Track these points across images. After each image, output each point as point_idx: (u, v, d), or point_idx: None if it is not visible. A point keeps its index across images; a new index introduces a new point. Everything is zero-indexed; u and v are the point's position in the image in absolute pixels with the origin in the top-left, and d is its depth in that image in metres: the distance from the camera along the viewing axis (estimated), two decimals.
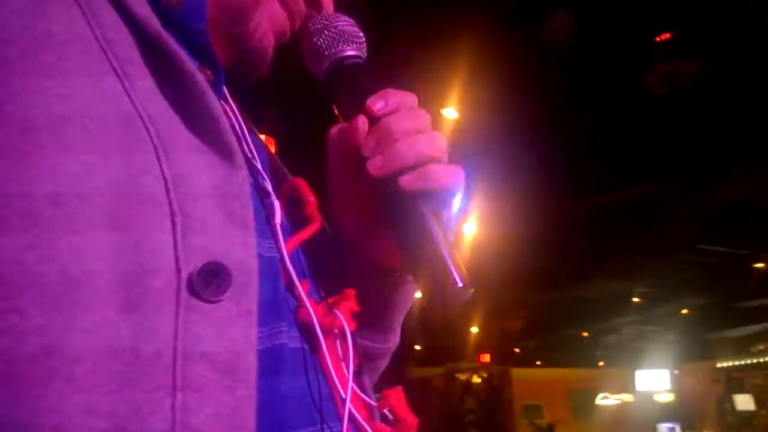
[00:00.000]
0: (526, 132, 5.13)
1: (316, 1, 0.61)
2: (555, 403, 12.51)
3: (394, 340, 0.69)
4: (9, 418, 0.34)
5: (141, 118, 0.42)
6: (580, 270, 8.20)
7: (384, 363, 0.70)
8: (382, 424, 0.51)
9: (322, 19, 0.59)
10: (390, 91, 0.55)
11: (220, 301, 0.40)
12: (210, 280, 0.40)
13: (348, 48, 0.59)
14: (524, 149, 5.30)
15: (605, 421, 12.09)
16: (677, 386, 12.33)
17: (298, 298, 0.50)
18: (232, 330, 0.40)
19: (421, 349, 12.91)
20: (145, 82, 0.43)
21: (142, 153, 0.41)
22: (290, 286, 0.51)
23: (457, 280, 0.49)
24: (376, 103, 0.54)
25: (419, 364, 13.44)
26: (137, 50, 0.44)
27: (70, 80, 0.40)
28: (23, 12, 0.41)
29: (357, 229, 0.61)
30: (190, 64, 0.45)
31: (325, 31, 0.59)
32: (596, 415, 12.38)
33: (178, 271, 0.39)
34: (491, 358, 12.78)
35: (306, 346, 0.50)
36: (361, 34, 0.60)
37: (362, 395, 0.51)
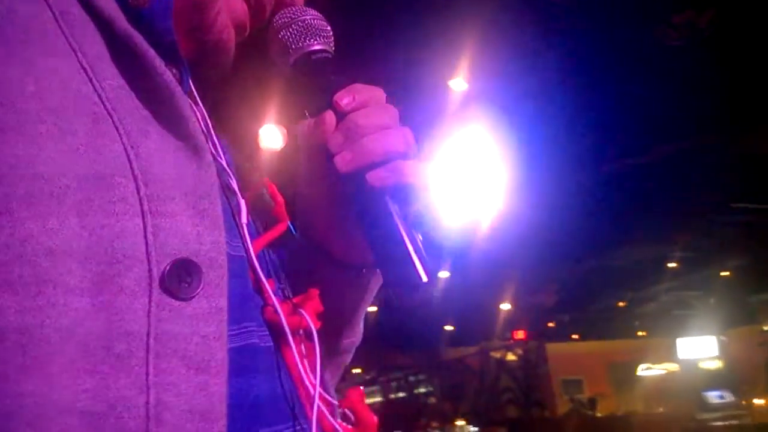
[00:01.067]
0: (543, 98, 4.89)
1: None
2: (595, 376, 12.35)
3: (359, 334, 0.69)
4: None
5: (110, 116, 0.42)
6: (611, 237, 7.94)
7: (349, 357, 0.70)
8: (344, 424, 0.52)
9: (288, 13, 0.59)
10: (358, 86, 0.56)
11: (192, 298, 0.41)
12: (182, 278, 0.40)
13: (315, 42, 0.58)
14: (543, 116, 5.07)
15: (649, 392, 11.89)
16: (723, 352, 12.00)
17: (265, 297, 0.51)
18: (204, 327, 0.40)
19: (453, 329, 12.83)
20: (113, 81, 0.44)
21: (112, 152, 0.41)
22: (257, 285, 0.52)
23: (422, 275, 0.50)
24: (344, 98, 0.54)
25: (452, 344, 13.40)
26: (105, 49, 0.45)
27: (40, 79, 0.41)
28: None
29: (324, 224, 0.61)
30: (159, 63, 0.45)
31: (292, 25, 0.58)
32: (639, 386, 12.20)
33: (150, 269, 0.40)
34: (525, 334, 12.64)
35: (274, 345, 0.51)
36: (329, 28, 0.60)
37: (325, 394, 0.51)
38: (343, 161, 0.52)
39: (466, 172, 5.70)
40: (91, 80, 0.43)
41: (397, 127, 0.54)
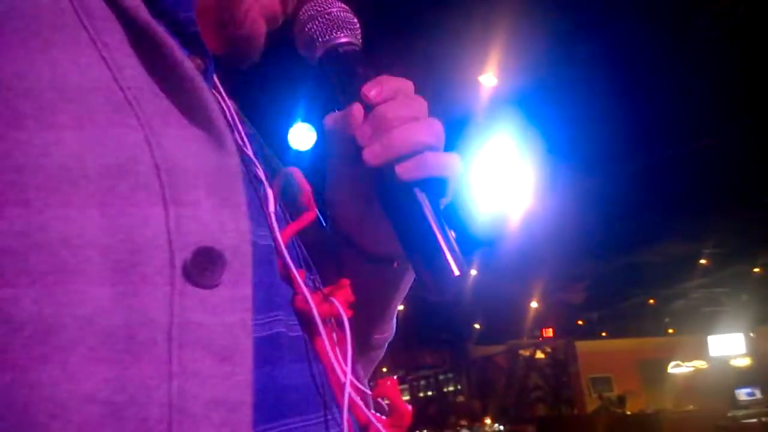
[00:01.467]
0: (573, 94, 4.91)
1: None
2: (624, 374, 12.24)
3: (391, 329, 0.68)
4: (7, 406, 0.34)
5: (131, 105, 0.42)
6: (640, 234, 7.91)
7: (381, 353, 0.69)
8: (377, 414, 0.51)
9: (314, 6, 0.58)
10: (385, 77, 0.55)
11: (216, 286, 0.40)
12: (205, 266, 0.40)
13: (342, 35, 0.58)
14: (573, 112, 5.08)
15: (679, 390, 11.74)
16: (754, 349, 11.85)
17: (295, 287, 0.50)
18: (228, 315, 0.40)
19: (481, 327, 12.83)
20: (134, 71, 0.44)
21: (133, 141, 0.41)
22: (286, 275, 0.50)
23: (454, 268, 0.49)
24: (372, 90, 0.53)
25: (480, 342, 13.38)
26: (126, 39, 0.44)
27: (59, 69, 0.41)
28: (17, 26, 0.41)
29: (353, 217, 0.60)
30: (180, 53, 0.45)
31: (319, 18, 0.58)
32: (669, 384, 12.06)
33: (172, 257, 0.39)
34: (554, 332, 12.58)
35: (304, 335, 0.50)
36: (355, 20, 0.59)
37: (357, 384, 0.51)
38: (372, 154, 0.51)
39: (496, 166, 5.73)
40: (111, 69, 0.42)
41: (426, 119, 0.53)
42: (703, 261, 9.46)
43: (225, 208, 0.42)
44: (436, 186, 0.52)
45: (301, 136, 4.35)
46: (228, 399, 0.38)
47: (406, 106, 0.53)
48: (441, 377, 14.78)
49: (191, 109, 0.44)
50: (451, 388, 14.59)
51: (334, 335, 0.51)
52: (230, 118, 0.54)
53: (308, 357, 0.49)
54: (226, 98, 0.56)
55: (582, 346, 12.27)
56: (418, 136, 0.51)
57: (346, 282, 0.53)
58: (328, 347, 0.49)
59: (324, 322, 0.49)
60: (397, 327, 0.69)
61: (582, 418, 10.98)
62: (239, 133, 0.54)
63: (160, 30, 0.45)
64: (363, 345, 0.64)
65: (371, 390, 0.52)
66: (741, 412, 8.97)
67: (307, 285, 0.51)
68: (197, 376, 0.38)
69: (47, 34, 0.41)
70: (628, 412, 10.09)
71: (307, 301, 0.49)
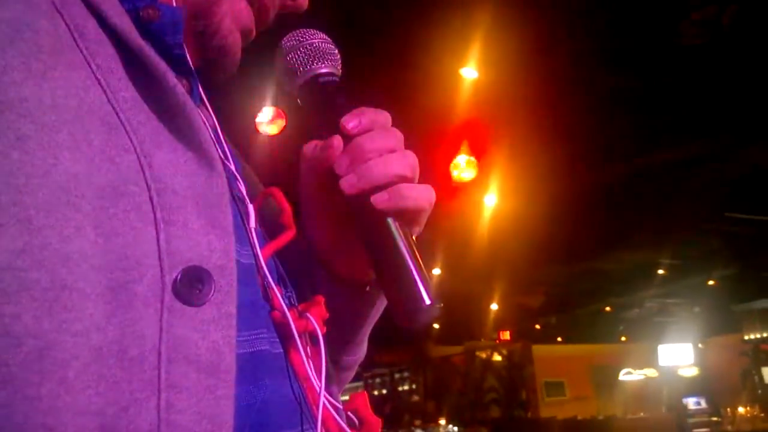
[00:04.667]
0: (547, 95, 4.89)
1: None
2: (577, 379, 12.44)
3: (362, 352, 0.70)
4: (5, 420, 0.35)
5: (124, 127, 0.43)
6: (601, 242, 8.00)
7: (351, 375, 0.71)
8: (349, 427, 0.53)
9: (295, 36, 0.60)
10: (364, 109, 0.57)
11: (203, 304, 0.42)
12: (193, 285, 0.41)
13: (322, 65, 0.59)
14: (545, 114, 5.06)
15: (629, 397, 11.99)
16: (702, 360, 12.16)
17: (273, 303, 0.52)
18: (214, 332, 0.41)
19: (440, 327, 12.83)
20: (127, 93, 0.45)
21: (127, 162, 0.42)
22: (266, 292, 0.52)
23: (425, 298, 0.50)
24: (350, 122, 0.55)
25: (438, 342, 13.40)
26: (119, 62, 0.46)
27: (57, 91, 0.42)
28: (11, 23, 0.42)
29: (328, 243, 0.62)
30: (171, 75, 0.46)
31: (300, 49, 0.59)
32: (619, 390, 12.29)
33: (163, 276, 0.41)
34: (511, 335, 12.69)
35: (283, 350, 0.51)
36: (336, 51, 0.61)
37: (330, 398, 0.52)
38: (348, 183, 0.53)
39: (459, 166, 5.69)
40: (105, 92, 0.44)
41: (401, 151, 0.56)
42: (661, 271, 9.63)
43: (213, 228, 0.44)
44: (409, 216, 0.54)
45: (270, 120, 4.22)
46: (212, 412, 0.40)
47: (382, 138, 0.55)
48: (397, 376, 14.78)
49: (181, 131, 0.46)
50: (406, 387, 14.59)
51: (309, 349, 0.52)
52: (214, 136, 0.54)
53: (287, 373, 0.50)
54: (211, 114, 0.58)
55: (538, 350, 12.41)
56: (394, 168, 0.54)
57: (320, 299, 0.55)
58: (306, 362, 0.50)
59: (301, 336, 0.51)
60: None
61: (535, 422, 11.11)
62: (223, 150, 0.55)
63: (151, 53, 0.46)
64: (333, 365, 0.64)
65: (343, 404, 0.54)
66: (691, 421, 9.17)
67: (284, 302, 0.52)
68: (184, 390, 0.39)
69: (46, 57, 0.42)
70: (580, 418, 10.24)
71: (284, 316, 0.50)
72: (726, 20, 3.68)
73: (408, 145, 0.57)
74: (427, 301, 0.50)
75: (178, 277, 0.41)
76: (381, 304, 0.65)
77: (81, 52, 0.44)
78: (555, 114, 5.07)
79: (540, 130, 5.22)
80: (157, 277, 0.41)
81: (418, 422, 11.61)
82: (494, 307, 11.71)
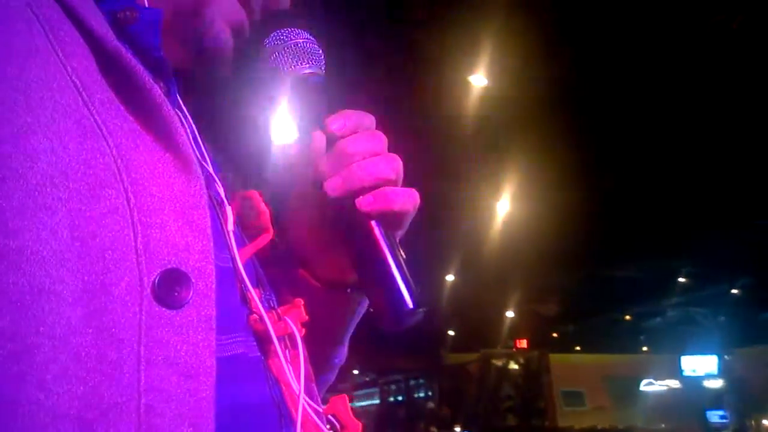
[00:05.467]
0: (559, 99, 4.78)
1: None
2: (596, 389, 12.23)
3: (343, 354, 0.69)
4: None
5: (100, 130, 0.43)
6: (618, 249, 7.84)
7: (333, 377, 0.70)
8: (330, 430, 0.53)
9: (279, 36, 0.60)
10: (348, 112, 0.57)
11: (182, 307, 0.41)
12: (172, 287, 0.41)
13: (306, 65, 0.59)
14: (557, 119, 4.96)
15: (650, 408, 11.74)
16: (727, 372, 11.85)
17: (251, 306, 0.51)
18: (193, 335, 0.41)
19: (455, 335, 12.73)
20: (102, 95, 0.45)
21: (102, 165, 0.42)
22: (244, 295, 0.52)
23: (408, 301, 0.50)
24: (334, 124, 0.56)
25: (453, 350, 13.30)
26: (95, 64, 0.46)
27: (31, 94, 0.41)
28: None
29: (310, 245, 0.62)
30: (148, 78, 0.46)
31: (284, 48, 0.59)
32: (640, 402, 12.05)
33: (141, 279, 0.41)
34: (528, 343, 12.53)
35: (260, 354, 0.51)
36: (320, 51, 0.61)
37: (310, 402, 0.51)
38: (332, 185, 0.54)
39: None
40: (81, 94, 0.44)
41: (385, 154, 0.56)
42: (681, 279, 9.41)
43: (191, 230, 0.44)
44: (393, 219, 0.54)
45: (284, 130, 4.18)
46: (192, 415, 0.39)
47: (367, 141, 0.55)
48: (412, 382, 14.73)
49: (158, 133, 0.46)
50: (421, 394, 14.52)
51: (288, 353, 0.52)
52: (191, 138, 0.53)
53: (265, 377, 0.50)
54: (188, 117, 0.57)
55: (555, 358, 12.26)
56: (378, 171, 0.54)
57: (299, 302, 0.54)
58: (285, 365, 0.50)
59: (280, 339, 0.51)
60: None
61: (552, 431, 10.94)
62: (201, 152, 0.55)
63: (128, 56, 0.46)
64: (316, 368, 0.64)
65: (323, 407, 0.53)
66: None
67: (263, 305, 0.52)
68: (164, 393, 0.39)
69: (20, 59, 0.42)
70: (599, 427, 10.06)
71: (262, 321, 0.50)
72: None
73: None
74: (410, 305, 0.50)
75: (157, 279, 0.41)
76: (362, 307, 0.65)
77: (56, 53, 0.44)
78: (569, 120, 4.96)
79: (554, 136, 5.11)
80: (135, 279, 0.40)
81: (433, 429, 11.52)
82: (510, 314, 11.58)
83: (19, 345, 0.36)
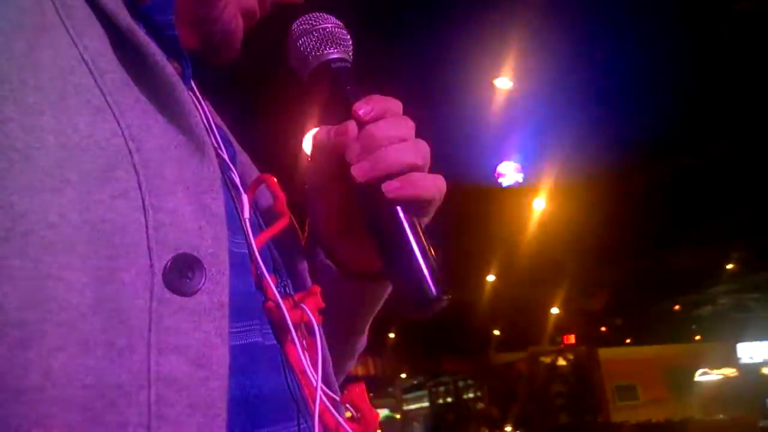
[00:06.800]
0: (593, 98, 4.75)
1: None
2: (650, 382, 11.98)
3: (363, 341, 0.69)
4: None
5: (111, 110, 0.42)
6: (666, 239, 7.68)
7: (352, 364, 0.70)
8: (348, 421, 0.52)
9: (307, 21, 0.59)
10: (376, 97, 0.56)
11: (194, 293, 0.40)
12: (183, 273, 0.40)
13: (334, 51, 0.58)
14: (596, 116, 4.92)
15: (707, 398, 11.44)
16: None
17: (267, 293, 0.50)
18: (205, 323, 0.40)
19: (500, 334, 12.64)
20: (115, 75, 0.44)
21: (113, 146, 0.41)
22: (259, 282, 0.51)
23: (432, 288, 0.49)
24: (361, 109, 0.55)
25: (500, 349, 13.21)
26: (108, 43, 0.45)
27: (41, 72, 0.40)
28: None
29: (334, 231, 0.61)
30: (161, 57, 0.45)
31: (312, 33, 0.58)
32: (696, 392, 11.76)
33: (152, 264, 0.39)
34: (576, 339, 12.36)
35: (276, 342, 0.50)
36: (348, 37, 0.60)
37: (327, 390, 0.50)
38: (360, 171, 0.52)
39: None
40: (92, 73, 0.42)
41: (413, 140, 0.55)
42: (730, 266, 9.16)
43: (204, 215, 0.43)
44: (419, 206, 0.53)
45: (311, 116, 4.23)
46: (204, 404, 0.38)
47: (394, 126, 0.54)
48: (460, 384, 14.68)
49: (172, 114, 0.44)
50: (470, 395, 14.47)
51: (304, 342, 0.51)
52: (206, 122, 0.53)
53: (281, 365, 0.49)
54: (202, 101, 0.56)
55: (606, 353, 12.07)
56: (406, 157, 0.53)
57: (317, 289, 0.53)
58: (301, 354, 0.49)
59: (297, 327, 0.50)
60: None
61: (606, 426, 10.77)
62: (215, 136, 0.54)
63: (141, 34, 0.45)
64: (335, 355, 0.63)
65: (341, 396, 0.52)
66: None
67: (278, 291, 0.51)
68: (175, 382, 0.38)
69: (30, 36, 0.41)
70: (654, 421, 9.86)
71: (279, 308, 0.49)
72: None
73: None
74: (434, 292, 0.49)
75: (168, 265, 0.40)
76: (382, 294, 0.64)
77: (67, 30, 0.43)
78: (608, 112, 4.92)
79: (595, 129, 5.07)
80: (146, 265, 0.39)
81: (483, 429, 11.46)
82: (555, 311, 11.44)
83: (25, 332, 0.35)
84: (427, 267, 0.49)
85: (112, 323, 0.37)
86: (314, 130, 0.59)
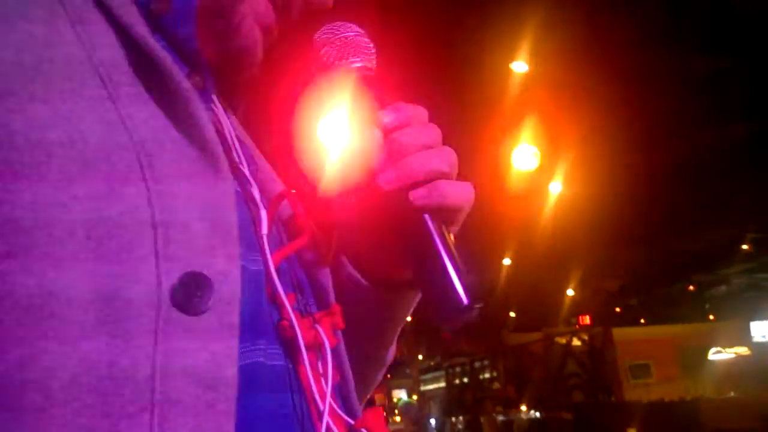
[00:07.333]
0: (609, 80, 4.81)
1: None
2: (663, 361, 12.06)
3: (392, 352, 0.68)
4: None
5: (124, 124, 0.41)
6: (678, 219, 7.74)
7: (381, 375, 0.69)
8: None
9: (329, 30, 0.59)
10: (401, 104, 0.55)
11: (202, 313, 0.39)
12: (192, 292, 0.39)
13: (357, 59, 0.58)
14: (611, 97, 4.98)
15: (720, 377, 11.50)
16: None
17: (281, 312, 0.48)
18: (214, 344, 0.39)
19: (516, 315, 12.74)
20: (130, 88, 0.43)
21: (125, 161, 0.40)
22: (274, 300, 0.49)
23: (462, 297, 0.48)
24: (387, 117, 0.54)
25: (515, 330, 13.31)
26: (123, 56, 0.44)
27: (52, 83, 0.40)
28: (4, 12, 0.41)
29: (362, 242, 0.60)
30: (177, 70, 0.44)
31: (334, 42, 0.58)
32: (709, 371, 11.81)
33: (159, 282, 0.38)
34: (591, 319, 12.44)
35: (287, 363, 0.48)
36: (371, 45, 0.59)
37: (340, 413, 0.49)
38: (386, 179, 0.52)
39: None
40: (106, 87, 0.42)
41: (440, 147, 0.54)
42: (744, 246, 9.20)
43: (216, 232, 0.42)
44: (447, 213, 0.53)
45: (334, 129, 4.28)
46: (211, 428, 0.37)
47: (421, 134, 0.54)
48: (476, 364, 14.80)
49: (186, 130, 0.44)
50: (486, 375, 14.62)
51: (319, 363, 0.49)
52: (228, 136, 0.52)
53: (289, 386, 0.47)
54: (226, 115, 0.55)
55: (620, 333, 12.12)
56: (433, 164, 0.52)
57: (337, 308, 0.53)
58: (310, 376, 0.47)
59: (310, 348, 0.48)
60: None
61: (620, 405, 10.87)
62: (237, 151, 0.53)
63: (157, 47, 0.44)
64: (364, 369, 0.63)
65: (356, 419, 0.50)
66: None
67: (296, 310, 0.49)
68: (180, 404, 0.37)
69: (43, 50, 0.41)
70: (666, 400, 9.95)
71: (292, 328, 0.47)
72: None
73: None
74: (465, 301, 0.48)
75: (176, 283, 0.38)
76: (413, 303, 0.63)
77: (82, 44, 0.43)
78: (624, 94, 4.97)
79: (610, 109, 5.13)
80: (153, 283, 0.38)
81: (499, 408, 11.60)
82: (570, 292, 11.52)
83: (24, 350, 0.35)
84: (457, 276, 0.49)
85: (116, 343, 0.36)
86: (326, 118, 0.59)
